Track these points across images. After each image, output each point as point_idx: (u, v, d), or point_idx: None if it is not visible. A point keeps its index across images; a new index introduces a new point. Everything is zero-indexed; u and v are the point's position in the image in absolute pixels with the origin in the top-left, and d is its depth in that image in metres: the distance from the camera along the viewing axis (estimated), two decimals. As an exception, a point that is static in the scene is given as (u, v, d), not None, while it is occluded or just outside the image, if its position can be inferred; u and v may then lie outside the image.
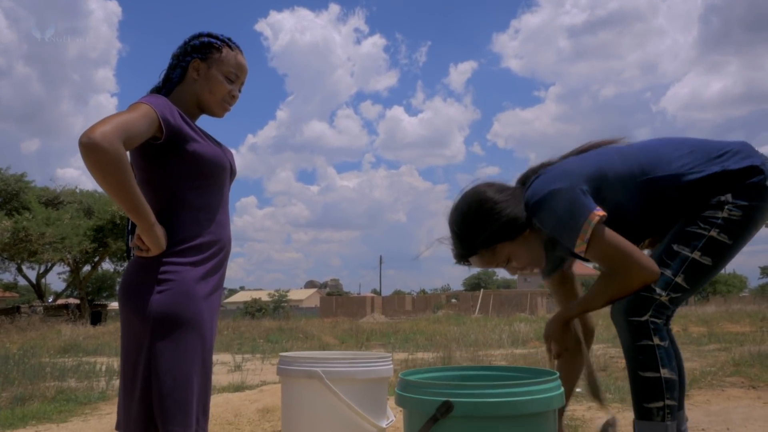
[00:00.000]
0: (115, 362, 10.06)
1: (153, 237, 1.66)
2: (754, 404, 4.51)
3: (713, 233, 1.75)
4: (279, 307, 49.26)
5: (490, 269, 2.05)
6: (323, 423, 2.43)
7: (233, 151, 1.97)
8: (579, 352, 2.08)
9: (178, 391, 1.67)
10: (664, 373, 1.76)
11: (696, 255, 1.76)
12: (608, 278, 1.80)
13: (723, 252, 1.77)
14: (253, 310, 48.03)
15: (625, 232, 1.78)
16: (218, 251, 1.85)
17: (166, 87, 1.92)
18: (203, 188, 1.83)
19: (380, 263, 73.96)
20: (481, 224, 1.89)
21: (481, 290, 50.79)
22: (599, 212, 1.78)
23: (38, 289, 34.19)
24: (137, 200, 1.60)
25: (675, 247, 1.78)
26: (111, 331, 22.03)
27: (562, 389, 1.67)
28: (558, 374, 1.71)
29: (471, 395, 1.59)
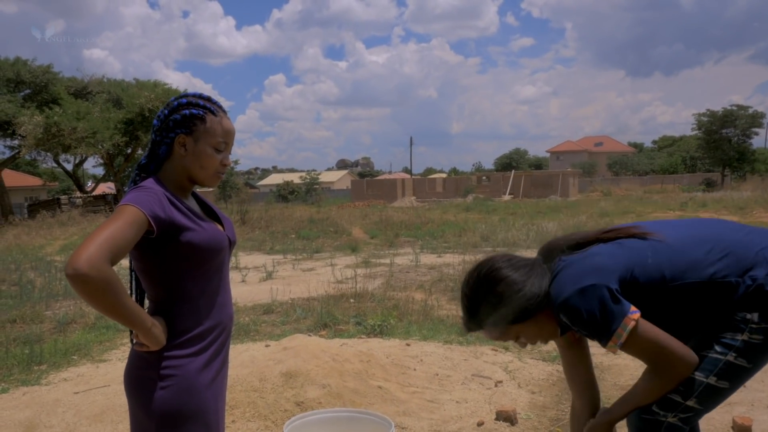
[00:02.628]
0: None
1: (152, 338, 1.65)
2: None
3: (730, 357, 1.67)
4: (311, 189, 49.89)
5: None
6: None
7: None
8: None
9: None
10: None
11: (712, 380, 1.68)
12: (652, 376, 1.74)
13: (740, 375, 1.69)
14: (286, 192, 48.78)
15: None
16: (219, 334, 1.84)
17: (154, 162, 1.83)
18: (201, 276, 1.79)
19: (411, 144, 73.54)
20: (492, 306, 1.80)
21: (512, 171, 50.62)
22: (634, 315, 1.68)
23: (76, 180, 35.06)
24: (130, 313, 1.58)
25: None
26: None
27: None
28: None
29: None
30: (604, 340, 1.71)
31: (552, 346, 5.26)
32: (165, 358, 1.73)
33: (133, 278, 1.88)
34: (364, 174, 79.59)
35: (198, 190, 2.09)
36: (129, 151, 29.77)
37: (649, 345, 1.69)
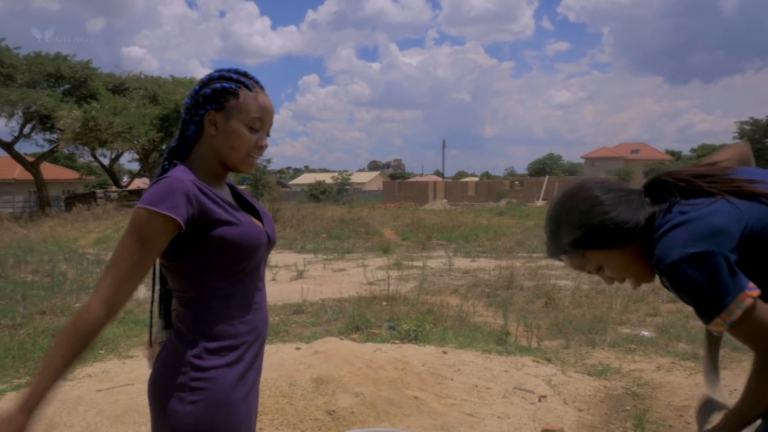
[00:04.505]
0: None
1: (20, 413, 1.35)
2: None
3: None
4: (342, 190, 49.83)
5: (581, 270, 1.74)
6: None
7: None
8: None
9: None
10: None
11: None
12: (765, 373, 1.49)
13: None
14: (317, 192, 48.82)
15: None
16: (254, 340, 1.63)
17: (184, 145, 1.62)
18: (235, 276, 1.57)
19: (443, 147, 73.02)
20: (572, 224, 1.60)
21: (546, 176, 49.90)
22: (752, 292, 1.42)
23: (112, 174, 35.48)
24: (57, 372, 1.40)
25: None
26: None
27: None
28: None
29: None
30: (710, 315, 1.45)
31: (598, 359, 4.96)
32: (198, 366, 1.52)
33: (157, 275, 1.66)
34: (395, 176, 79.37)
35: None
36: (164, 146, 30.03)
37: (766, 329, 1.43)
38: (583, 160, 76.30)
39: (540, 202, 40.78)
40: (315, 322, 6.63)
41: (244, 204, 1.74)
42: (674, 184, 1.62)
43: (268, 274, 10.70)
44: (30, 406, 1.34)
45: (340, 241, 17.30)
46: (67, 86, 29.02)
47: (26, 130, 28.64)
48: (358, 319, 6.32)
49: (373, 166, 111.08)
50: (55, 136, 28.08)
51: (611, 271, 1.66)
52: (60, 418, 3.60)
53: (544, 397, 4.05)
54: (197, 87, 1.60)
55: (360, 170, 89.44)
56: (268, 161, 49.98)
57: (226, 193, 1.66)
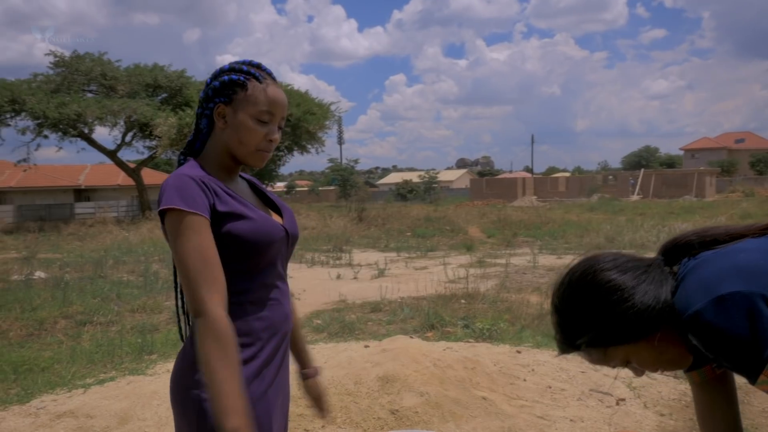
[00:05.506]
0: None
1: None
2: None
3: None
4: (429, 188, 49.69)
5: None
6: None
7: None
8: None
9: None
10: None
11: None
12: None
13: None
14: (405, 191, 48.91)
15: None
16: (271, 337, 1.58)
17: (199, 139, 1.60)
18: (250, 271, 1.53)
19: (532, 142, 71.44)
20: (586, 320, 1.32)
21: (642, 170, 47.81)
22: None
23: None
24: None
25: None
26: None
27: None
28: None
29: None
30: (753, 372, 1.18)
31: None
32: None
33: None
34: (483, 173, 78.39)
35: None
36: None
37: None
38: (682, 152, 72.64)
39: (635, 197, 39.10)
40: (391, 321, 6.59)
41: (264, 199, 1.70)
42: (699, 243, 1.37)
43: (350, 273, 10.78)
44: (235, 427, 1.32)
45: (423, 239, 17.23)
46: (164, 95, 30.47)
47: (128, 138, 30.32)
48: (434, 317, 6.22)
49: (462, 163, 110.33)
50: (153, 143, 29.53)
51: (642, 365, 1.40)
52: (134, 411, 3.72)
53: (623, 400, 3.81)
54: (209, 80, 1.56)
55: (448, 168, 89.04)
56: (356, 161, 50.57)
57: (241, 188, 1.62)
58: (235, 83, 1.52)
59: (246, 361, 1.52)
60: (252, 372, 1.52)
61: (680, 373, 4.54)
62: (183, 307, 1.65)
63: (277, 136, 1.57)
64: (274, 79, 1.58)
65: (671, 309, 1.28)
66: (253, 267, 1.54)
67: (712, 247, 1.34)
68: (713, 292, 1.19)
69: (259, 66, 1.57)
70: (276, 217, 1.63)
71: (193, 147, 1.60)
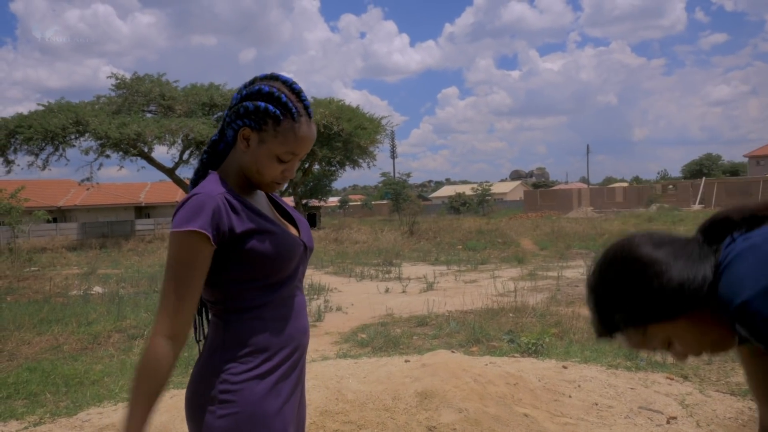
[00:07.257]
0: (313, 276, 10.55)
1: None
2: None
3: None
4: (482, 201, 49.24)
5: None
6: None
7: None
8: None
9: None
10: None
11: None
12: None
13: None
14: (457, 204, 48.61)
15: None
16: (291, 352, 1.55)
17: (224, 142, 1.59)
18: (270, 287, 1.51)
19: (587, 152, 70.10)
20: (622, 296, 1.27)
21: (703, 178, 46.27)
22: None
23: (261, 193, 37.51)
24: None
25: None
26: (322, 236, 23.60)
27: None
28: None
29: None
30: None
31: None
32: (227, 379, 1.46)
33: None
34: (538, 185, 77.30)
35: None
36: (306, 165, 31.35)
37: None
38: (746, 159, 69.91)
39: (696, 206, 37.83)
40: (436, 335, 6.49)
41: (281, 211, 1.68)
42: (740, 219, 1.29)
43: (398, 287, 10.72)
44: None
45: (475, 252, 17.03)
46: (219, 114, 31.23)
47: (185, 156, 31.13)
48: (479, 332, 6.10)
49: (516, 175, 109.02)
50: (210, 161, 30.26)
51: (684, 346, 1.32)
52: (173, 425, 3.75)
53: (674, 418, 3.63)
54: (244, 91, 1.51)
55: (502, 180, 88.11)
56: (408, 175, 50.66)
57: (260, 200, 1.60)
58: (268, 114, 1.46)
59: (263, 376, 1.49)
60: (268, 387, 1.50)
61: (738, 390, 4.27)
62: (203, 309, 1.65)
63: (293, 173, 1.56)
64: (309, 113, 1.52)
65: (713, 289, 1.22)
66: (275, 282, 1.52)
67: (753, 223, 1.26)
68: (762, 280, 1.14)
69: (299, 95, 1.50)
70: (292, 230, 1.61)
71: (217, 148, 1.59)
